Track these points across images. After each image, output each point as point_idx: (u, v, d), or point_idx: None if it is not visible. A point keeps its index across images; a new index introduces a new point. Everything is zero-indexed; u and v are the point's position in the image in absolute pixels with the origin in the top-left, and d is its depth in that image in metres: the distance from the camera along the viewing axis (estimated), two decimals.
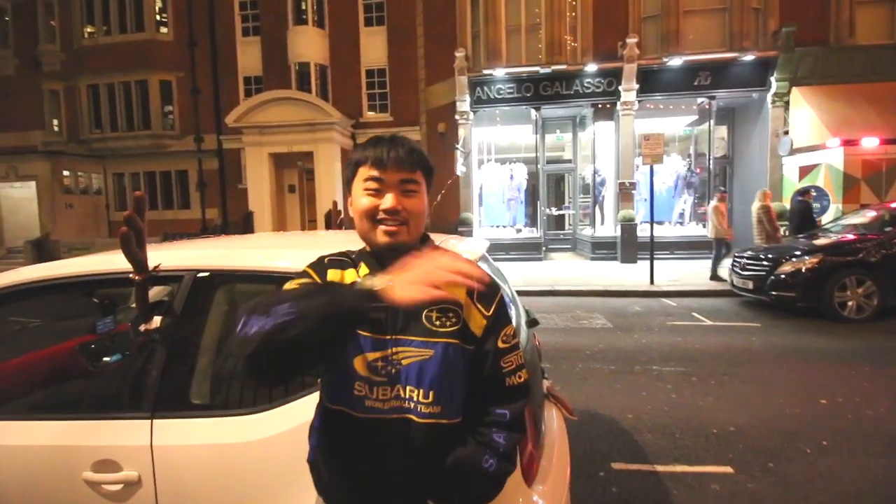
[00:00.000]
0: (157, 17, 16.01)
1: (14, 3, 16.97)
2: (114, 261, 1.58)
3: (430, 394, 0.94)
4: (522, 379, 1.03)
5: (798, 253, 6.45)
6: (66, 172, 16.01)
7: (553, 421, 1.87)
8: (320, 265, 1.07)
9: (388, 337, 0.97)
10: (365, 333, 0.98)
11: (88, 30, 16.39)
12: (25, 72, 17.06)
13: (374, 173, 0.99)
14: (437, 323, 0.97)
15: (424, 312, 0.97)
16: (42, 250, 13.72)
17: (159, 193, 16.76)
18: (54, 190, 15.55)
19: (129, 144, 16.29)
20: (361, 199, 1.01)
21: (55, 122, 17.25)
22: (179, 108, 16.18)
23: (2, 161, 15.66)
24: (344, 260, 1.08)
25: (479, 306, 1.01)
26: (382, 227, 0.99)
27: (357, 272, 1.04)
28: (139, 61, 15.77)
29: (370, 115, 15.02)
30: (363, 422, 0.96)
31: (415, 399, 0.94)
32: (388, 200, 0.98)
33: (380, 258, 1.02)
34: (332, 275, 1.04)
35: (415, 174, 1.01)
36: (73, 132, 16.86)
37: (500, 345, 1.01)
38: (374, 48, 14.76)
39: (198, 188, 16.16)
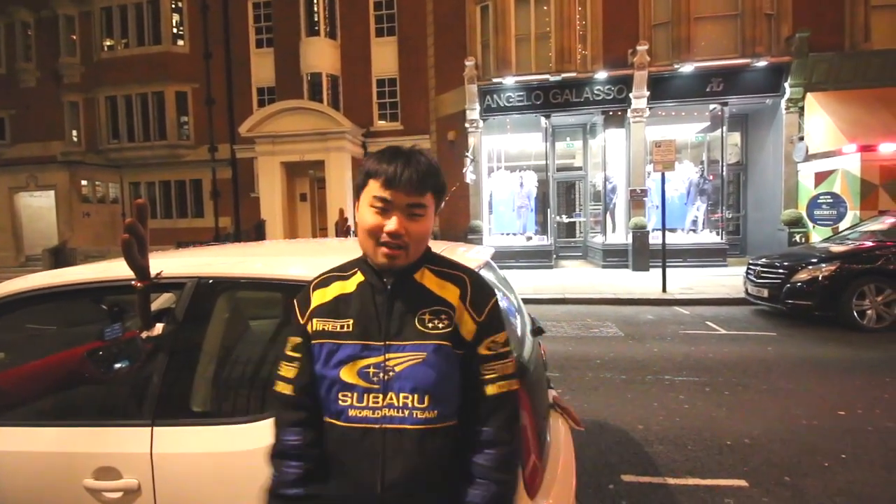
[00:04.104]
0: (174, 31, 16.43)
1: (37, 18, 17.54)
2: (117, 268, 1.59)
3: (426, 398, 0.94)
4: (504, 390, 1.00)
5: (814, 260, 6.30)
6: (84, 182, 16.40)
7: (559, 432, 1.83)
8: (305, 297, 1.07)
9: (381, 343, 0.97)
10: (355, 342, 0.98)
11: (108, 43, 16.87)
12: (46, 84, 17.60)
13: (384, 193, 0.97)
14: (430, 325, 0.98)
15: (418, 315, 0.98)
16: (59, 258, 14.00)
17: (174, 202, 17.08)
18: (72, 199, 15.91)
19: (145, 154, 16.65)
20: (367, 216, 0.99)
21: (74, 132, 17.73)
22: (194, 119, 16.52)
23: (23, 170, 16.11)
24: (331, 276, 1.09)
25: (471, 310, 1.01)
26: (383, 249, 0.97)
27: (346, 283, 1.06)
28: (156, 73, 16.17)
29: (381, 124, 15.16)
30: (349, 431, 0.95)
31: (409, 405, 0.94)
32: (392, 224, 0.96)
33: (378, 271, 1.03)
34: (316, 296, 1.05)
35: (423, 198, 0.99)
36: (91, 142, 17.30)
37: (484, 351, 1.01)
38: (384, 58, 14.93)
39: (211, 197, 16.42)
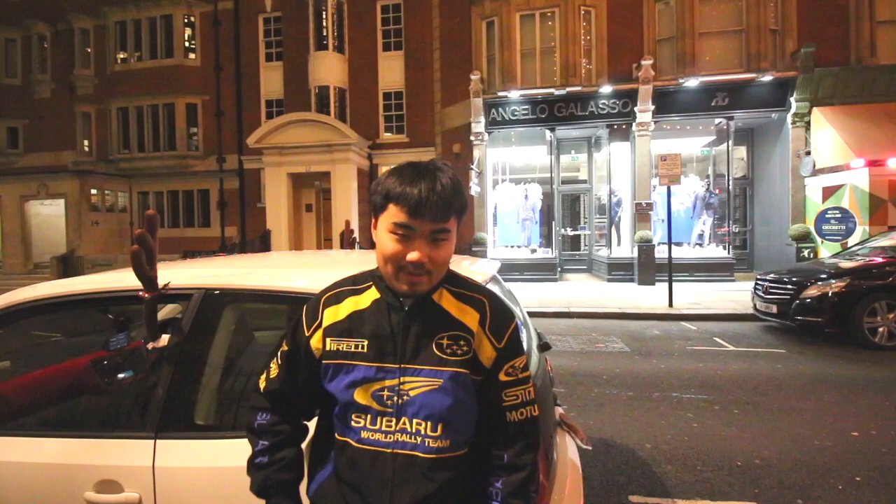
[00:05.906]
0: (186, 44, 16.73)
1: (53, 31, 17.95)
2: (125, 278, 1.59)
3: (439, 427, 0.91)
4: (524, 416, 0.97)
5: (824, 276, 6.23)
6: (93, 191, 16.59)
7: (566, 450, 1.79)
8: (315, 310, 1.02)
9: (397, 366, 0.94)
10: (370, 363, 0.94)
11: (121, 56, 17.20)
12: (60, 95, 17.92)
13: (407, 221, 0.90)
14: (448, 351, 0.94)
15: (435, 339, 0.94)
16: (67, 266, 14.12)
17: (181, 212, 17.23)
18: (82, 207, 16.09)
19: (154, 164, 16.86)
20: (387, 243, 0.92)
21: (86, 142, 17.99)
22: (204, 130, 16.74)
23: (34, 179, 16.33)
24: (343, 290, 1.03)
25: (491, 337, 0.97)
26: (405, 277, 0.92)
27: (359, 298, 1.01)
28: (167, 85, 16.45)
29: (387, 137, 15.29)
30: (360, 452, 0.93)
31: (422, 433, 0.91)
32: (415, 254, 0.90)
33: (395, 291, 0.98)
34: (328, 314, 1.00)
35: (448, 223, 0.92)
36: (102, 152, 17.55)
37: (503, 377, 0.97)
38: (391, 72, 15.12)
39: (218, 207, 16.55)
